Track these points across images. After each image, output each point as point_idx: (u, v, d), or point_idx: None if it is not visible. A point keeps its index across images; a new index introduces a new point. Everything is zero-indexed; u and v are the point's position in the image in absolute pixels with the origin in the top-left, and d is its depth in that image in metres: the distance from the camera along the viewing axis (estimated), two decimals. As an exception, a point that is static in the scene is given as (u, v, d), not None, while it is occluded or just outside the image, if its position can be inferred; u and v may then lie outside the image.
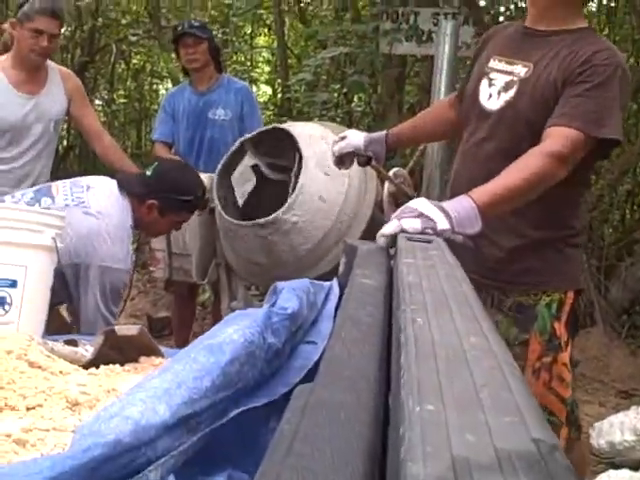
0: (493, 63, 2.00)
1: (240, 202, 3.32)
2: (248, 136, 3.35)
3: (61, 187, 2.38)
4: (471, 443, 0.46)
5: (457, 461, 0.43)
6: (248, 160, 3.35)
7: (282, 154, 3.32)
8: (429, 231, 1.50)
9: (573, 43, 1.86)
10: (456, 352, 0.65)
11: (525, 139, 1.84)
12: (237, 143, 3.34)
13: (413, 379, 0.56)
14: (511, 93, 1.92)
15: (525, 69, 1.91)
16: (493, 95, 1.96)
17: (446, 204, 1.57)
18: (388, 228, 1.50)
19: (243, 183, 3.35)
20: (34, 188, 2.46)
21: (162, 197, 2.49)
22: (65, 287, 2.27)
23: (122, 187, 2.44)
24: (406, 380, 0.56)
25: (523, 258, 1.94)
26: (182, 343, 3.35)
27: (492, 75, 1.98)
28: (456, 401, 0.52)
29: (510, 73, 1.94)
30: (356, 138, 2.30)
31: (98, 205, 2.32)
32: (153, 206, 2.48)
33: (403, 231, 1.48)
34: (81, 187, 2.37)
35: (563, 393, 1.94)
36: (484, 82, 2.00)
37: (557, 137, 1.75)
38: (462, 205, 1.59)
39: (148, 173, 2.55)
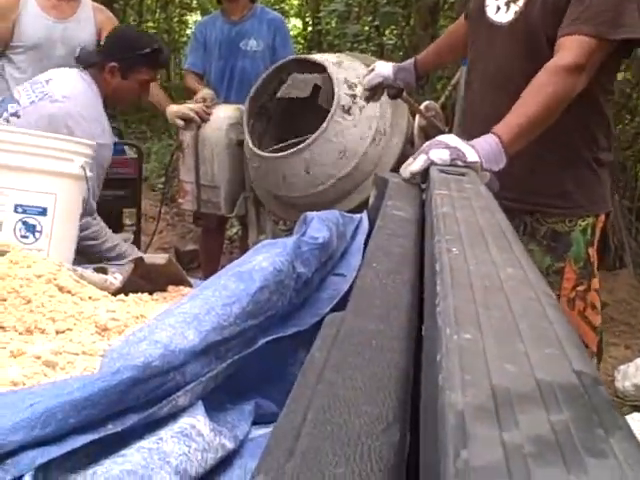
0: None
1: (279, 94, 3.23)
2: (281, 62, 3.27)
3: (22, 90, 2.41)
4: (511, 373, 0.44)
5: (497, 390, 0.41)
6: (310, 77, 3.25)
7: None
8: (458, 162, 1.47)
9: None
10: (493, 282, 0.63)
11: (543, 53, 1.74)
12: (268, 71, 3.27)
13: (449, 307, 0.54)
14: (520, 3, 1.81)
15: None
16: (501, 8, 1.85)
17: (472, 142, 1.55)
18: (417, 164, 1.48)
19: (299, 87, 3.24)
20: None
21: (119, 57, 2.51)
22: None
23: (80, 64, 2.51)
24: (442, 308, 0.55)
25: (557, 179, 1.87)
26: (209, 276, 3.36)
27: None
28: (494, 331, 0.51)
29: None
30: (385, 69, 2.28)
31: (62, 91, 2.37)
32: (114, 69, 2.50)
33: (432, 163, 1.46)
34: (40, 83, 2.41)
35: (595, 321, 1.92)
36: None
37: (569, 48, 1.65)
38: (487, 142, 1.57)
39: (101, 43, 2.63)
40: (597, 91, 1.77)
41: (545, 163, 1.83)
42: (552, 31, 1.73)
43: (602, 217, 1.94)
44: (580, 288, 1.90)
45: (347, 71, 2.99)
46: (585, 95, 1.69)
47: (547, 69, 1.66)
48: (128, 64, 2.51)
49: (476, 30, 1.98)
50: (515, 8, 1.82)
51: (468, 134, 1.59)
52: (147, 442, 0.71)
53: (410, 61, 2.30)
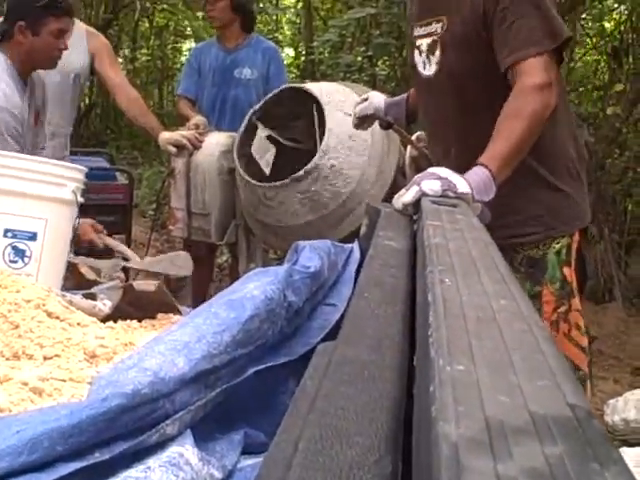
0: (416, 31, 1.99)
1: (267, 171, 3.27)
2: (256, 107, 3.33)
3: None
4: (505, 405, 0.44)
5: (491, 422, 0.41)
6: (261, 132, 3.32)
7: (301, 115, 3.29)
8: (450, 193, 1.48)
9: None
10: (486, 313, 0.63)
11: (474, 88, 1.84)
12: (251, 111, 3.31)
13: (442, 338, 0.54)
14: (437, 53, 1.91)
15: (440, 24, 1.89)
16: (425, 62, 1.96)
17: (463, 175, 1.57)
18: (409, 195, 1.48)
19: (264, 153, 3.32)
20: None
21: (22, 15, 2.51)
22: None
23: None
24: (435, 339, 0.54)
25: (518, 203, 1.87)
26: (198, 304, 3.35)
27: (418, 43, 1.97)
28: (487, 362, 0.51)
29: (430, 34, 1.92)
30: (378, 101, 2.32)
31: None
32: (22, 28, 2.50)
33: (423, 194, 1.47)
34: None
35: (582, 341, 1.91)
36: (416, 53, 1.99)
37: (528, 72, 1.70)
38: (477, 173, 1.58)
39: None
40: None
41: (504, 186, 1.76)
42: (469, 66, 1.83)
43: (576, 236, 1.94)
44: (561, 310, 1.90)
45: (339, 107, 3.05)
46: None
47: (517, 94, 1.69)
48: (34, 19, 2.51)
49: (417, 87, 2.11)
50: (435, 59, 1.92)
51: None
52: (135, 471, 0.70)
53: (402, 97, 2.34)
